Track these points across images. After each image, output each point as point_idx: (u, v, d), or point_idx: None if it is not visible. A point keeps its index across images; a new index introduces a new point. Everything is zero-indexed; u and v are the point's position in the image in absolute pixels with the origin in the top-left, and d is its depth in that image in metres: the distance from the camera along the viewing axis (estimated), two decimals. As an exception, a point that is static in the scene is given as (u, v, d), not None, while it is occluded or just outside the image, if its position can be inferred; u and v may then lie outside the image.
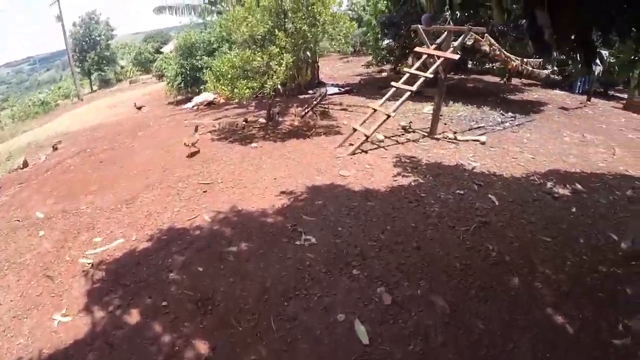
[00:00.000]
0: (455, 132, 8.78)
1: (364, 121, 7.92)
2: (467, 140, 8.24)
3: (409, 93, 7.48)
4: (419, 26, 8.07)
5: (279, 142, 8.44)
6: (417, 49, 8.23)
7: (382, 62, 17.01)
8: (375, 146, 7.85)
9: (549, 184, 6.06)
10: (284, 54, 7.73)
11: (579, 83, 11.48)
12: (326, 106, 10.84)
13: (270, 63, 7.73)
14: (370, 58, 18.25)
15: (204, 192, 6.29)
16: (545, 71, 10.04)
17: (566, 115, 10.28)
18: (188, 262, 4.48)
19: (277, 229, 4.99)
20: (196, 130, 7.98)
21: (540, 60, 10.00)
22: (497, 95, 12.75)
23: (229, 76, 7.88)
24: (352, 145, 7.61)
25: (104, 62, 37.35)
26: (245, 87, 7.69)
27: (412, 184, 6.15)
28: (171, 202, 6.09)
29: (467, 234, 4.77)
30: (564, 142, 8.02)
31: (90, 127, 14.48)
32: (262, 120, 10.15)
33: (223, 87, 7.89)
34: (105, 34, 37.55)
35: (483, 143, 8.09)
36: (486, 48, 7.97)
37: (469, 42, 7.77)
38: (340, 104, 11.48)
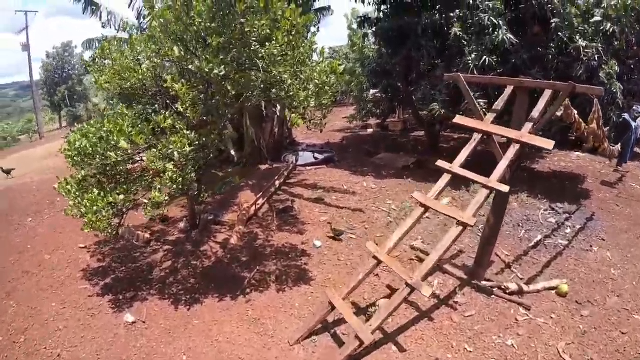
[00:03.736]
0: (510, 265, 4.42)
1: (354, 288, 3.34)
2: (539, 291, 3.95)
3: (458, 231, 3.02)
4: (461, 75, 3.74)
5: (182, 305, 3.83)
6: (459, 120, 3.82)
7: (367, 116, 12.90)
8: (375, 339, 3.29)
9: None
10: (181, 134, 3.16)
11: (629, 151, 7.59)
12: (289, 201, 6.10)
13: (146, 154, 3.15)
14: (353, 110, 13.98)
15: None
16: (617, 147, 6.00)
17: (622, 201, 6.68)
18: None
19: None
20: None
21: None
22: (518, 164, 8.69)
23: (79, 177, 3.24)
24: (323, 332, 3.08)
25: (75, 97, 32.28)
26: (97, 204, 3.03)
27: None
28: None
29: None
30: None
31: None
32: (184, 224, 5.36)
33: (69, 199, 3.22)
34: (78, 68, 32.52)
35: (565, 295, 3.89)
36: (594, 126, 3.69)
37: (559, 113, 3.47)
38: (315, 186, 6.88)
